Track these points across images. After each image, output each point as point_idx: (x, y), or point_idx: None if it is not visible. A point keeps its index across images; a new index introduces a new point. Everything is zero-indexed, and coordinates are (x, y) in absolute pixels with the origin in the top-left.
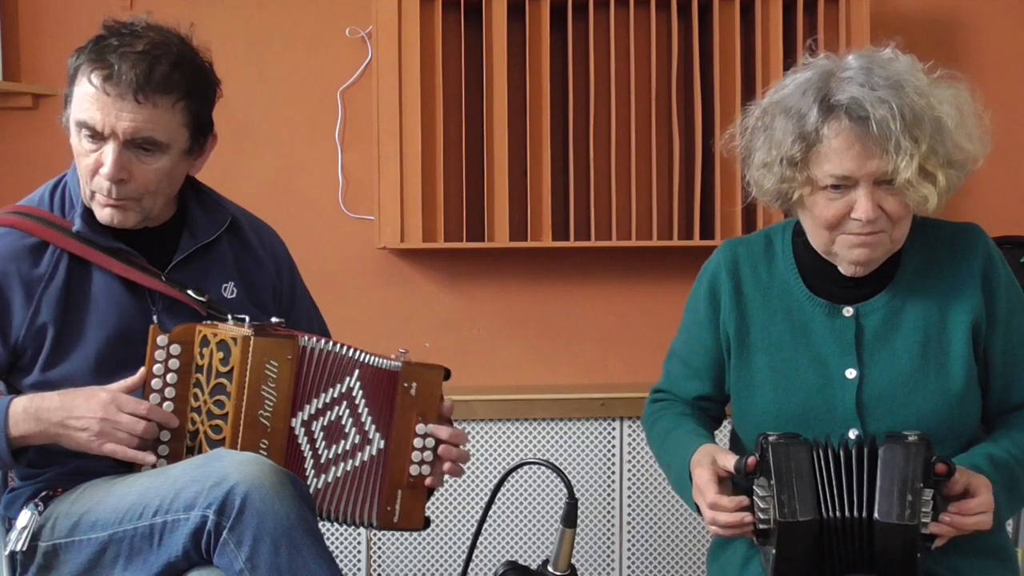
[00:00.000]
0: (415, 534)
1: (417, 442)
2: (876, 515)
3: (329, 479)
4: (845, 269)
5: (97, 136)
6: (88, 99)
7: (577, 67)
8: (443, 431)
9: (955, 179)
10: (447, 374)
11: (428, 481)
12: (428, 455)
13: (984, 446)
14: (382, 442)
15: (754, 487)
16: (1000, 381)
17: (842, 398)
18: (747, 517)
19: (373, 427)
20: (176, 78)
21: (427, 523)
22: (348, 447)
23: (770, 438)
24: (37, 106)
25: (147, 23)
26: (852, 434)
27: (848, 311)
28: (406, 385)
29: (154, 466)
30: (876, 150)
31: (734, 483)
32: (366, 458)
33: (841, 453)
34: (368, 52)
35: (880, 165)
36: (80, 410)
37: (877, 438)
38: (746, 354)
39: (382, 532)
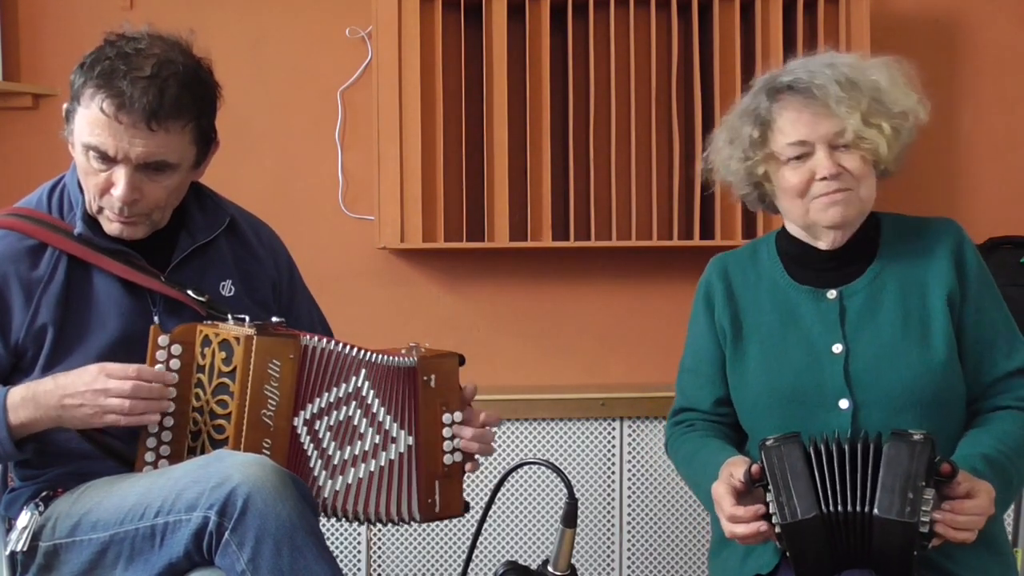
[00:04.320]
0: (415, 534)
1: (446, 432)
2: (876, 510)
3: (349, 480)
4: (825, 239)
5: (107, 159)
6: (99, 125)
7: (577, 67)
8: (473, 424)
9: (901, 129)
10: (462, 360)
11: (468, 467)
12: (459, 442)
13: (976, 445)
14: (410, 439)
15: (766, 493)
16: (972, 360)
17: (830, 372)
18: (763, 526)
19: (395, 425)
20: (186, 100)
21: (467, 507)
22: (367, 447)
23: (767, 442)
24: (37, 106)
25: (149, 35)
26: (843, 404)
27: (832, 294)
28: (425, 379)
29: (155, 466)
30: (823, 111)
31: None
32: (393, 456)
33: (844, 447)
34: (368, 52)
35: (830, 126)
36: (72, 387)
37: (882, 434)
38: (740, 345)
39: (382, 531)
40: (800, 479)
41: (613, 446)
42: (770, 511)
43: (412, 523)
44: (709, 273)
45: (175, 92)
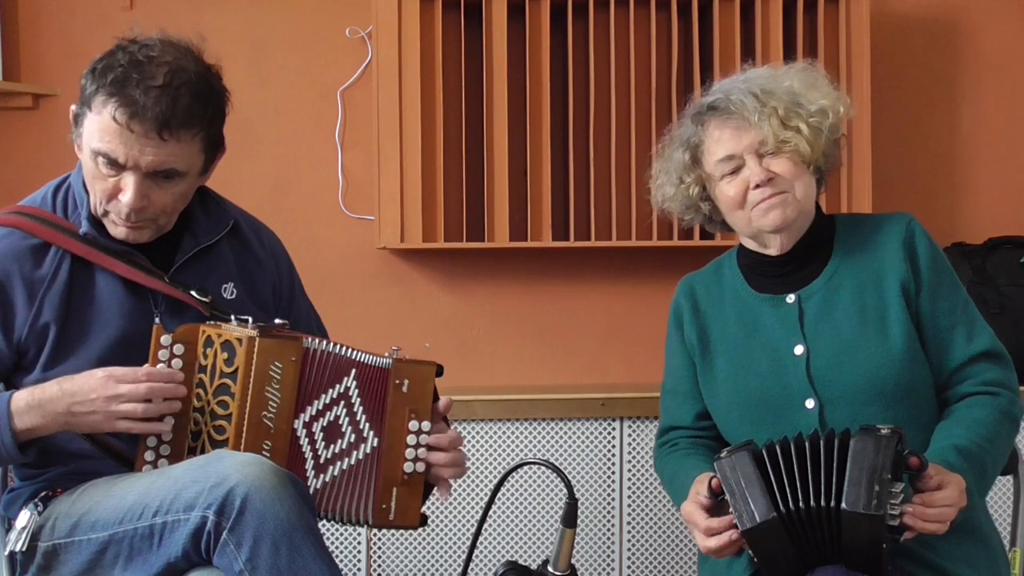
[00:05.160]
0: (415, 533)
1: (411, 439)
2: (844, 505)
3: (327, 478)
4: (772, 245)
5: (116, 165)
6: (110, 132)
7: (577, 67)
8: (442, 439)
9: (821, 126)
10: (439, 370)
11: (437, 494)
12: (423, 452)
13: (948, 436)
14: (375, 440)
15: (729, 505)
16: (935, 348)
17: (794, 373)
18: (734, 535)
19: (367, 425)
20: (197, 110)
21: (424, 520)
22: (344, 446)
23: (720, 455)
24: (37, 106)
25: (161, 41)
26: (809, 404)
27: (790, 298)
28: (398, 382)
29: (155, 465)
30: (744, 124)
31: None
32: (360, 456)
33: (804, 446)
34: (368, 52)
35: (753, 137)
36: (81, 395)
37: (849, 429)
38: (709, 358)
39: (382, 532)
40: (754, 485)
41: (613, 446)
42: (735, 522)
43: (365, 527)
44: (677, 295)
45: (187, 102)
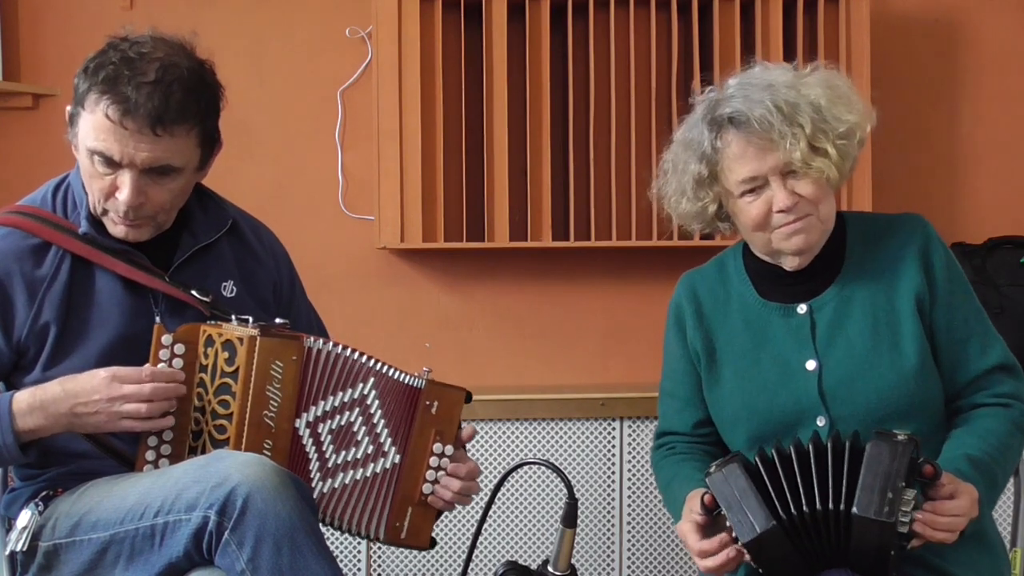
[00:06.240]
0: None
1: (432, 460)
2: (855, 509)
3: (336, 484)
4: (790, 264)
5: (112, 163)
6: (104, 131)
7: (577, 67)
8: (461, 468)
9: (849, 148)
10: (468, 397)
11: (440, 505)
12: (442, 475)
13: (960, 446)
14: (397, 456)
15: (726, 519)
16: (948, 359)
17: (805, 389)
18: (731, 553)
19: (389, 440)
20: (191, 104)
21: (433, 543)
22: (360, 455)
23: (710, 470)
24: (37, 106)
25: (152, 38)
26: (820, 422)
27: (802, 308)
28: (428, 403)
29: (156, 465)
30: (768, 145)
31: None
32: (378, 470)
33: (805, 450)
34: (368, 52)
35: (778, 157)
36: (84, 395)
37: (859, 432)
38: (715, 368)
39: None
40: (749, 495)
41: (613, 446)
42: (733, 534)
43: (375, 542)
44: (678, 295)
45: (180, 97)
